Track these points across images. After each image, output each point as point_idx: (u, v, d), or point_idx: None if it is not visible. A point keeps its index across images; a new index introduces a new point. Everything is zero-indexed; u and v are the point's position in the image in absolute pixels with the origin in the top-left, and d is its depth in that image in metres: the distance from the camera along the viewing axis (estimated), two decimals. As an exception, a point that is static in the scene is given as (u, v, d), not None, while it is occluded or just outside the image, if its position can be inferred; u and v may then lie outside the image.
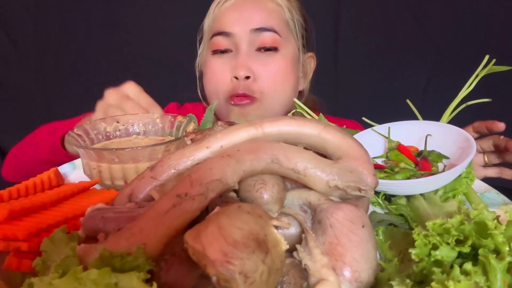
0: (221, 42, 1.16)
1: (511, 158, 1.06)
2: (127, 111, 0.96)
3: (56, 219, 0.60)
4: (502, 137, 1.08)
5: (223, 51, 1.17)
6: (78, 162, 0.90)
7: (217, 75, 1.17)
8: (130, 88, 1.01)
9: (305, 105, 1.37)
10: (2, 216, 0.57)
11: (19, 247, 0.54)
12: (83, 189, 0.73)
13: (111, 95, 1.00)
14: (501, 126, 1.03)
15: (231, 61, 1.15)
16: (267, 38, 1.13)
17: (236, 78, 1.13)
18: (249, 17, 1.14)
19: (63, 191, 0.69)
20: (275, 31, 1.14)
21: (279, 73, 1.16)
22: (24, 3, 2.05)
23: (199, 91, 1.33)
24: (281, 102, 1.20)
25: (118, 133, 0.93)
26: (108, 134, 0.92)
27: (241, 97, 1.14)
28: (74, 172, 0.89)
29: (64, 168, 0.89)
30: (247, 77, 1.13)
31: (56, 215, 0.62)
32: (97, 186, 0.78)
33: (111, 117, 0.93)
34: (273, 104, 1.18)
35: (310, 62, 1.34)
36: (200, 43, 1.31)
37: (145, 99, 1.00)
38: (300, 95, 1.33)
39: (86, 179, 0.81)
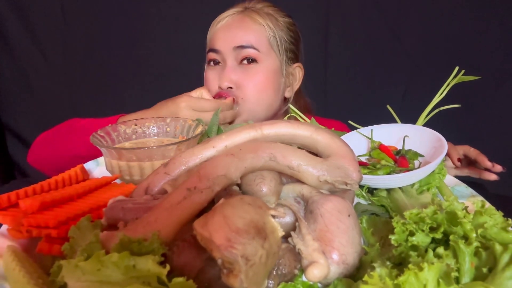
0: (212, 56, 1.22)
1: (479, 167, 1.09)
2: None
3: (82, 210, 0.60)
4: (472, 149, 1.09)
5: (216, 63, 1.22)
6: (101, 159, 0.90)
7: (209, 83, 1.23)
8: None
9: (299, 107, 1.37)
10: (35, 207, 0.57)
11: (49, 234, 0.54)
12: (105, 183, 0.73)
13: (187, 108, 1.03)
14: (488, 165, 1.05)
15: (220, 73, 1.20)
16: (247, 53, 1.17)
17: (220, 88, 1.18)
18: (232, 37, 1.19)
19: (88, 185, 0.69)
20: (253, 47, 1.18)
21: (259, 83, 1.19)
22: (54, 19, 2.05)
23: None
24: (261, 107, 1.22)
25: (135, 135, 0.93)
26: (127, 135, 0.92)
27: (221, 95, 1.18)
28: (97, 169, 0.89)
29: (88, 165, 0.89)
30: (230, 87, 1.17)
31: (82, 206, 0.62)
32: (117, 181, 0.77)
33: (130, 121, 0.93)
34: (253, 108, 1.20)
35: (298, 72, 1.33)
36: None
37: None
38: (285, 101, 1.34)
39: (108, 174, 0.81)
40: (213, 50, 1.21)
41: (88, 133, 1.05)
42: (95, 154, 1.00)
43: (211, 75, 1.22)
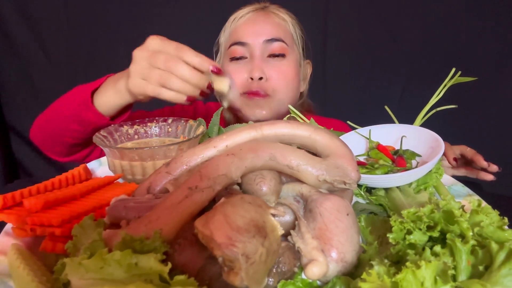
0: (238, 50, 1.19)
1: (476, 167, 1.10)
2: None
3: (85, 208, 0.60)
4: (468, 148, 1.09)
5: (239, 58, 1.19)
6: (103, 159, 0.90)
7: (234, 77, 1.19)
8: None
9: (303, 107, 1.39)
10: (39, 206, 0.57)
11: (53, 232, 0.54)
12: (108, 183, 0.73)
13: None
14: (484, 164, 1.06)
15: (247, 66, 1.18)
16: (277, 46, 1.17)
17: (252, 79, 1.15)
18: (261, 30, 1.17)
19: (91, 184, 0.69)
20: (282, 41, 1.18)
21: (287, 75, 1.19)
22: (58, 23, 2.05)
23: (215, 94, 1.34)
24: (289, 99, 1.22)
25: (138, 135, 0.93)
26: (129, 135, 0.92)
27: (254, 94, 1.16)
28: (100, 168, 0.89)
29: (91, 165, 0.89)
30: (260, 78, 1.15)
31: (85, 204, 0.62)
32: (120, 180, 0.78)
33: (132, 121, 0.93)
34: (282, 99, 1.20)
35: (307, 68, 1.36)
36: (216, 54, 1.33)
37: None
38: (301, 95, 1.36)
39: (110, 174, 0.81)
40: (240, 43, 1.18)
41: (69, 94, 1.03)
42: (80, 112, 0.94)
43: (236, 68, 1.19)
